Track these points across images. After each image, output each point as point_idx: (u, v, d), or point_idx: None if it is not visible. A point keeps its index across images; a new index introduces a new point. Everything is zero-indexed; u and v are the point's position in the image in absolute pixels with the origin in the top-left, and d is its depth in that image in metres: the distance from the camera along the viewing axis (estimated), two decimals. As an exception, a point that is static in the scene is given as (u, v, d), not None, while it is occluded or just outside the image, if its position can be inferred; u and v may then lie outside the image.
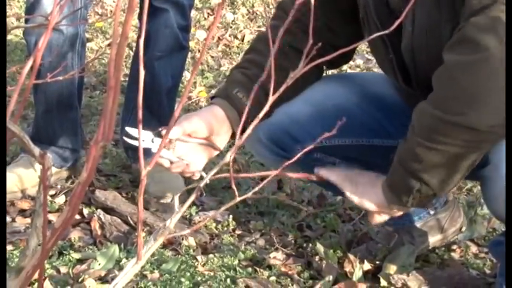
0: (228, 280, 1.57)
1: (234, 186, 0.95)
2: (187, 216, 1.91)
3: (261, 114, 0.87)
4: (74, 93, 2.00)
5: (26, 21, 1.92)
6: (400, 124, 1.55)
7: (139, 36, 0.82)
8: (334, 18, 1.49)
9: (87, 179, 0.86)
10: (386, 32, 0.84)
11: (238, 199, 0.93)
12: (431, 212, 1.75)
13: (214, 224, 1.87)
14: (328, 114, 1.45)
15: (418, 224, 1.75)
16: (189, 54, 3.13)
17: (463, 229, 1.79)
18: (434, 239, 1.77)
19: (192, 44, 3.16)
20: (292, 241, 1.82)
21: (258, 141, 1.53)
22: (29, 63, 0.93)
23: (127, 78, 2.22)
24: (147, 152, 1.30)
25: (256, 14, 3.66)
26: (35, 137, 2.01)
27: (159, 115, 2.04)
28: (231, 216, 1.89)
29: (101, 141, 0.82)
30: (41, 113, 2.02)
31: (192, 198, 0.93)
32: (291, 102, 1.51)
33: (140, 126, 0.85)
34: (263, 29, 3.44)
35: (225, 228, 1.87)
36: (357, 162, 1.58)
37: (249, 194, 1.01)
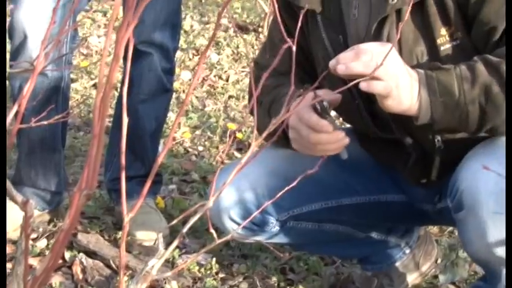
0: (211, 324, 1.56)
1: (212, 230, 0.96)
2: (170, 260, 1.90)
3: (244, 159, 0.89)
4: (58, 136, 2.00)
5: (11, 66, 1.92)
6: (366, 180, 1.58)
7: (123, 83, 0.83)
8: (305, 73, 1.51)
9: (70, 227, 0.86)
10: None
11: (218, 241, 0.94)
12: (407, 251, 1.77)
13: (197, 267, 1.86)
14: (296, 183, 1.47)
15: (395, 266, 1.76)
16: (174, 95, 3.14)
17: (439, 261, 1.81)
18: (412, 278, 1.79)
19: (176, 84, 3.17)
20: (275, 284, 1.81)
21: (231, 221, 1.53)
22: (14, 108, 0.94)
23: (112, 118, 2.22)
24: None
25: (241, 54, 3.69)
26: (16, 179, 2.00)
27: (142, 158, 2.04)
28: (214, 259, 1.88)
29: (84, 189, 0.83)
30: (23, 155, 2.01)
31: (176, 243, 0.93)
32: (257, 176, 1.51)
33: (123, 172, 0.86)
34: (247, 69, 3.47)
35: (208, 272, 1.86)
36: (330, 222, 1.60)
37: (228, 237, 1.01)
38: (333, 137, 1.32)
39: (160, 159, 0.89)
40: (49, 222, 2.05)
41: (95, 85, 3.16)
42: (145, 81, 2.00)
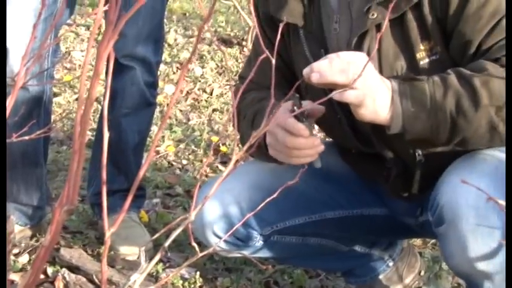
0: None
1: (194, 243, 0.96)
2: (154, 274, 1.89)
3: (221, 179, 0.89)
4: (40, 150, 1.99)
5: None
6: (348, 193, 1.59)
7: (104, 97, 0.83)
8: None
9: (51, 243, 0.86)
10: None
11: (200, 254, 0.94)
12: (390, 264, 1.78)
13: (181, 281, 1.85)
14: (278, 197, 1.47)
15: (379, 278, 1.76)
16: (158, 108, 3.14)
17: (422, 273, 1.82)
18: None
19: (160, 98, 3.17)
20: (260, 298, 1.81)
21: (214, 236, 1.53)
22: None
23: (95, 132, 2.22)
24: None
25: (225, 68, 3.70)
26: None
27: (126, 171, 2.04)
28: (198, 273, 1.88)
29: (65, 205, 0.83)
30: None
31: (158, 257, 0.93)
32: (241, 190, 1.51)
33: (104, 187, 0.86)
34: (232, 83, 3.48)
35: (192, 286, 1.85)
36: (314, 235, 1.60)
37: (210, 250, 1.01)
38: (309, 142, 1.32)
39: (142, 173, 0.89)
40: (31, 237, 2.04)
41: (78, 99, 3.15)
42: (128, 95, 2.00)
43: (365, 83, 1.21)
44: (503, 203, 0.73)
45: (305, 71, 1.25)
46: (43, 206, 2.04)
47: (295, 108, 1.30)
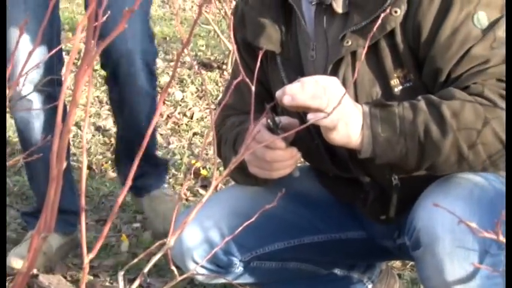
0: None
1: (173, 267, 0.97)
2: (134, 299, 1.88)
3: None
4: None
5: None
6: (327, 217, 1.60)
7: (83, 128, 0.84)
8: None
9: (28, 270, 0.86)
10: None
11: (179, 278, 0.95)
12: (369, 286, 1.79)
13: (161, 306, 1.85)
14: (257, 223, 1.48)
15: None
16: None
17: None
18: None
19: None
20: (240, 322, 1.80)
21: (193, 262, 1.52)
22: None
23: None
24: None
25: (205, 92, 3.72)
26: None
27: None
28: (178, 297, 1.87)
29: (42, 231, 0.83)
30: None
31: (137, 282, 0.93)
32: (221, 216, 1.52)
33: (83, 213, 0.86)
34: (212, 106, 3.49)
35: (172, 310, 1.84)
36: (293, 260, 1.61)
37: (189, 274, 1.02)
38: (287, 153, 1.33)
39: (121, 199, 0.90)
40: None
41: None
42: (136, 102, 2.19)
43: (338, 107, 1.23)
44: (475, 225, 0.74)
45: (278, 93, 1.26)
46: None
47: (269, 122, 1.32)
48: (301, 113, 1.34)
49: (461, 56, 1.28)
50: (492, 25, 1.28)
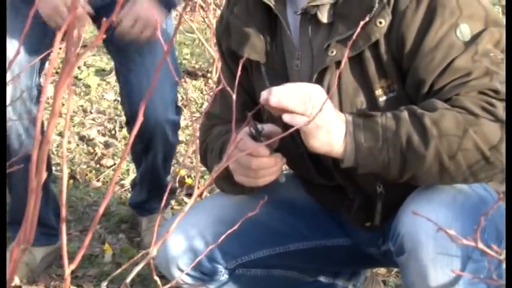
0: None
1: (156, 277, 0.96)
2: (118, 310, 1.87)
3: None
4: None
5: None
6: (312, 224, 1.60)
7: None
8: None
9: (9, 282, 0.85)
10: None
11: (164, 288, 0.94)
12: None
13: (145, 317, 1.84)
14: (242, 230, 1.48)
15: None
16: (123, 141, 3.13)
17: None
18: None
19: (126, 131, 3.17)
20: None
21: (179, 270, 1.52)
22: None
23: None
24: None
25: (190, 100, 3.71)
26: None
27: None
28: (162, 307, 1.86)
29: (22, 243, 0.82)
30: None
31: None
32: (206, 224, 1.52)
33: (64, 224, 0.85)
34: (197, 114, 3.49)
35: (157, 321, 1.83)
36: (278, 267, 1.61)
37: (173, 282, 1.01)
38: (272, 160, 1.33)
39: (102, 209, 0.89)
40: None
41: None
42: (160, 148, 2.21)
43: (320, 114, 1.23)
44: (456, 232, 0.75)
45: (263, 94, 1.26)
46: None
47: (252, 130, 1.32)
48: (293, 133, 1.33)
49: (444, 68, 1.29)
50: (475, 38, 1.29)
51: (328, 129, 1.25)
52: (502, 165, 1.24)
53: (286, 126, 1.33)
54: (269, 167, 1.33)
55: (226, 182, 1.45)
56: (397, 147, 1.26)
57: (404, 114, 1.27)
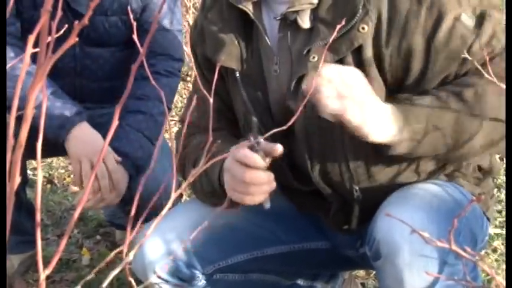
0: None
1: (130, 278, 0.96)
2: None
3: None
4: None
5: None
6: (289, 228, 1.60)
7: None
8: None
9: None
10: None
11: (141, 292, 0.93)
12: None
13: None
14: (220, 235, 1.47)
15: None
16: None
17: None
18: None
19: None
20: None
21: (155, 275, 1.51)
22: None
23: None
24: None
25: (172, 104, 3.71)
26: None
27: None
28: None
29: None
30: None
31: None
32: (183, 229, 1.50)
33: (38, 229, 0.85)
34: (176, 118, 3.48)
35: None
36: (256, 271, 1.61)
37: (147, 283, 1.01)
38: (266, 176, 1.30)
39: (77, 214, 0.88)
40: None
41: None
42: None
43: (365, 108, 1.22)
44: (430, 235, 0.75)
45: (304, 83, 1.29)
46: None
47: (251, 138, 1.29)
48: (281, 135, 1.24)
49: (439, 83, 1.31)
50: (480, 20, 1.30)
51: (374, 122, 1.24)
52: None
53: (283, 139, 1.32)
54: (261, 182, 1.30)
55: (209, 199, 1.44)
56: (446, 129, 1.27)
57: (448, 97, 1.27)
